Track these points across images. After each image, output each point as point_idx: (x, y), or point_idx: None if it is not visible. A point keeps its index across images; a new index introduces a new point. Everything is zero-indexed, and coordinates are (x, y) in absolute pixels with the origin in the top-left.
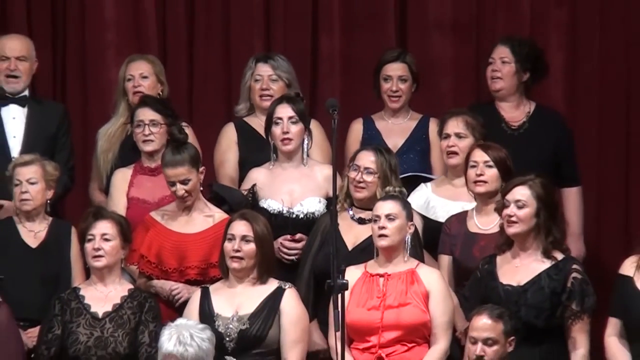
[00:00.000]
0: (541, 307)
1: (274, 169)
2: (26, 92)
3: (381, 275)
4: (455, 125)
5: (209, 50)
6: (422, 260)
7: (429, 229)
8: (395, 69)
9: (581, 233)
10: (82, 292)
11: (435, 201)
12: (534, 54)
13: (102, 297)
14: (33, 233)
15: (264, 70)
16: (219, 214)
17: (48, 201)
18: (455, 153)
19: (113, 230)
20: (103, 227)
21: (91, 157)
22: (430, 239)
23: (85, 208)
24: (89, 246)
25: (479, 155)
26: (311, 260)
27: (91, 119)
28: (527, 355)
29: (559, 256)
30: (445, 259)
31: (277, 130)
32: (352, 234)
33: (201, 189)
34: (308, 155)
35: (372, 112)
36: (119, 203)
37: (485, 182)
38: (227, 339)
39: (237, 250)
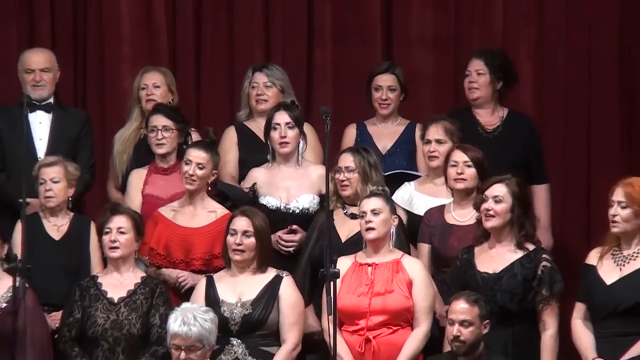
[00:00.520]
0: (514, 292)
1: (272, 169)
2: (51, 100)
3: (369, 265)
4: (435, 132)
5: (214, 63)
6: (408, 250)
7: (412, 222)
8: (385, 80)
9: (549, 226)
10: (99, 280)
11: (417, 198)
12: (505, 64)
13: (118, 284)
14: (56, 227)
15: (260, 78)
16: (220, 210)
17: (69, 198)
18: (436, 157)
19: (128, 224)
20: (119, 222)
21: (108, 159)
22: (413, 231)
23: (103, 205)
24: (106, 238)
25: (459, 156)
26: (309, 251)
27: (108, 124)
28: (502, 336)
29: (531, 247)
30: (425, 247)
31: (275, 134)
32: (345, 228)
33: (209, 188)
34: (303, 157)
35: (360, 117)
36: (134, 200)
37: (464, 179)
38: (232, 322)
39: (239, 244)
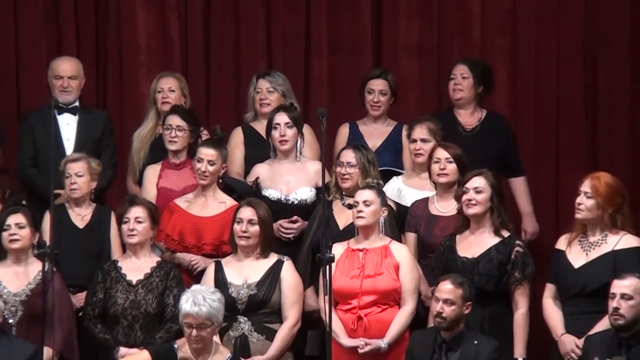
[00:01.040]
0: (490, 275)
1: (274, 164)
2: (77, 103)
3: (361, 250)
4: (420, 132)
5: (222, 70)
6: (399, 237)
7: (400, 213)
8: (377, 84)
9: (533, 213)
10: (119, 264)
11: (405, 190)
12: (486, 71)
13: (136, 267)
14: (80, 216)
15: (263, 84)
16: (229, 201)
17: (92, 190)
18: (421, 154)
19: (144, 214)
20: (136, 212)
21: (127, 156)
22: (402, 221)
23: (122, 197)
24: (125, 227)
25: (441, 153)
26: (310, 238)
27: (127, 124)
28: (479, 314)
29: (506, 234)
30: (411, 236)
31: (275, 133)
32: (343, 217)
33: (220, 180)
34: (301, 153)
35: (352, 118)
36: (150, 192)
37: (446, 174)
38: (239, 302)
39: (245, 231)
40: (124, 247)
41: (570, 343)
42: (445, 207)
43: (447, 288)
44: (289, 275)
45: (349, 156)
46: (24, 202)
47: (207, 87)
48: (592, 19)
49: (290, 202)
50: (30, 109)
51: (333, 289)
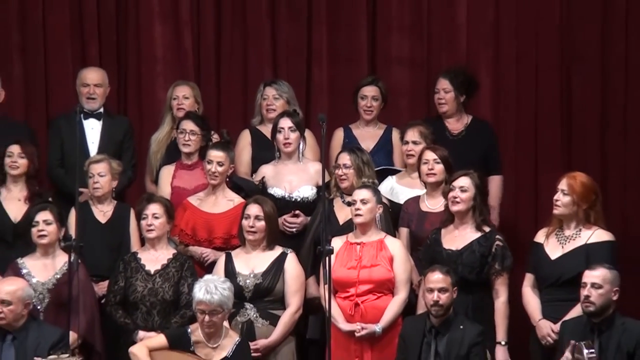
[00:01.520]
0: (473, 265)
1: (278, 165)
2: (101, 110)
3: (358, 244)
4: (412, 135)
5: (232, 78)
6: (393, 232)
7: (393, 210)
8: (369, 90)
9: (498, 208)
10: (139, 256)
11: (398, 189)
12: (467, 79)
13: (154, 259)
14: (103, 212)
15: (270, 91)
16: (237, 199)
17: (113, 189)
18: (413, 155)
19: (161, 211)
20: (153, 208)
21: (146, 157)
22: (395, 217)
23: (141, 195)
24: (143, 223)
25: (430, 155)
26: (312, 232)
27: (145, 128)
28: (464, 302)
29: (487, 229)
30: (404, 231)
31: (280, 137)
32: (342, 213)
33: (227, 179)
34: (303, 155)
35: (349, 122)
36: (165, 190)
37: (434, 174)
38: (246, 290)
39: (252, 227)
40: (142, 241)
41: (547, 328)
42: (434, 205)
43: (438, 277)
44: (292, 266)
45: (344, 159)
46: (50, 199)
47: (218, 94)
48: (567, 33)
49: (293, 199)
50: (58, 115)
51: (332, 278)
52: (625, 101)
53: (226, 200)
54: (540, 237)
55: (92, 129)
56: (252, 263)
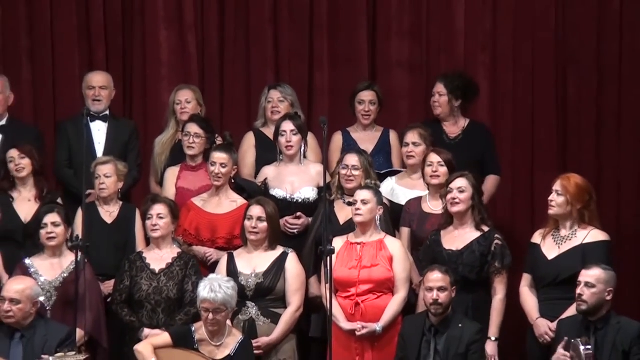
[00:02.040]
0: (473, 265)
1: (280, 167)
2: (107, 112)
3: (358, 244)
4: (412, 137)
5: (234, 82)
6: (393, 232)
7: (393, 210)
8: (366, 95)
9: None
10: (144, 255)
11: (398, 190)
12: (464, 84)
13: (159, 258)
14: (109, 213)
15: (274, 94)
16: (240, 200)
17: (119, 190)
18: (413, 156)
19: (165, 211)
20: (158, 209)
21: (150, 159)
22: (395, 217)
23: (146, 196)
24: (148, 223)
25: (434, 157)
26: (314, 232)
27: (150, 130)
28: (464, 301)
29: (486, 229)
30: (405, 231)
31: (282, 139)
32: (343, 214)
33: (232, 181)
34: (305, 157)
35: (350, 125)
36: (170, 191)
37: (438, 176)
38: (248, 289)
39: (254, 227)
40: (148, 241)
41: (544, 326)
42: (436, 206)
43: (437, 277)
44: (293, 265)
45: (354, 160)
46: (59, 200)
47: (221, 97)
48: (562, 37)
49: (294, 200)
50: (65, 117)
51: (333, 278)
52: (620, 103)
53: (229, 201)
54: (537, 237)
55: (99, 131)
56: (253, 263)
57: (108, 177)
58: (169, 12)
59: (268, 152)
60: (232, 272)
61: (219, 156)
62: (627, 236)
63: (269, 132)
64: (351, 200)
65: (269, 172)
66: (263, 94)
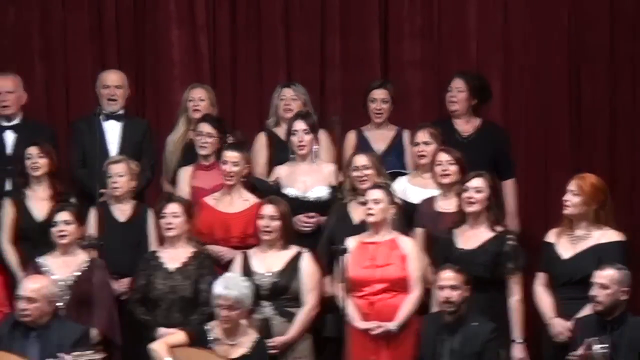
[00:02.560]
0: (486, 264)
1: (292, 166)
2: (121, 111)
3: (372, 243)
4: (423, 136)
5: (246, 82)
6: (405, 232)
7: (406, 209)
8: (378, 93)
9: (517, 214)
10: (159, 254)
11: (410, 189)
12: (481, 85)
13: (173, 257)
14: (122, 212)
15: (287, 92)
16: (253, 199)
17: (132, 189)
18: (424, 155)
19: (180, 210)
20: (172, 208)
21: (162, 158)
22: (408, 216)
23: (159, 195)
24: (163, 222)
25: (443, 157)
26: (327, 232)
27: (162, 130)
28: (478, 299)
29: (500, 229)
30: (419, 231)
31: (294, 139)
32: (357, 214)
33: (244, 180)
34: (317, 156)
35: (362, 125)
36: (184, 190)
37: (449, 175)
38: (262, 289)
39: (267, 226)
40: (161, 240)
41: (560, 325)
42: (448, 205)
43: (450, 275)
44: (308, 265)
45: (363, 160)
46: (72, 200)
47: (233, 97)
48: (576, 37)
49: (307, 199)
50: (78, 117)
51: (347, 277)
52: (634, 102)
53: (242, 200)
54: (551, 236)
55: (112, 131)
56: (268, 262)
57: (121, 176)
58: (181, 12)
59: (280, 152)
60: (247, 271)
61: (230, 155)
62: None
63: (281, 131)
64: (363, 200)
65: (281, 171)
66: (276, 92)
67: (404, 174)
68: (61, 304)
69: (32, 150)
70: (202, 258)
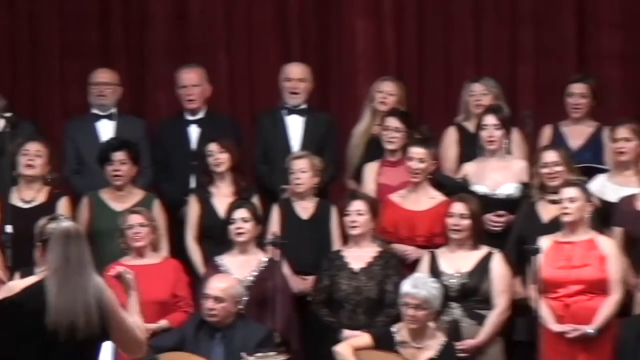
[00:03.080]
0: None
1: (482, 162)
2: (304, 105)
3: (567, 243)
4: (623, 132)
5: (434, 76)
6: (602, 231)
7: (604, 208)
8: (576, 88)
9: None
10: (343, 253)
11: (609, 187)
12: None
13: (358, 256)
14: (305, 209)
15: (477, 87)
16: (439, 196)
17: (315, 185)
18: (624, 152)
19: (365, 208)
20: (357, 205)
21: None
22: (606, 215)
23: (342, 191)
24: (347, 219)
25: None
26: (516, 231)
27: (346, 126)
28: None
29: None
30: (618, 230)
31: (484, 134)
32: (547, 212)
33: (430, 177)
34: (508, 152)
35: (555, 120)
36: (369, 187)
37: None
38: (451, 290)
39: (457, 225)
40: (345, 238)
41: None
42: None
43: None
44: (499, 265)
45: (553, 156)
46: (254, 199)
47: (420, 90)
48: None
49: (496, 196)
50: (261, 110)
51: (541, 278)
52: None
53: (428, 198)
54: None
55: (295, 125)
56: (457, 262)
57: (303, 172)
58: (367, 2)
59: (470, 147)
60: (435, 271)
61: (416, 151)
62: None
63: (471, 126)
64: (556, 198)
65: (469, 168)
66: (464, 88)
67: (597, 168)
68: (240, 305)
69: (213, 147)
70: (388, 258)
